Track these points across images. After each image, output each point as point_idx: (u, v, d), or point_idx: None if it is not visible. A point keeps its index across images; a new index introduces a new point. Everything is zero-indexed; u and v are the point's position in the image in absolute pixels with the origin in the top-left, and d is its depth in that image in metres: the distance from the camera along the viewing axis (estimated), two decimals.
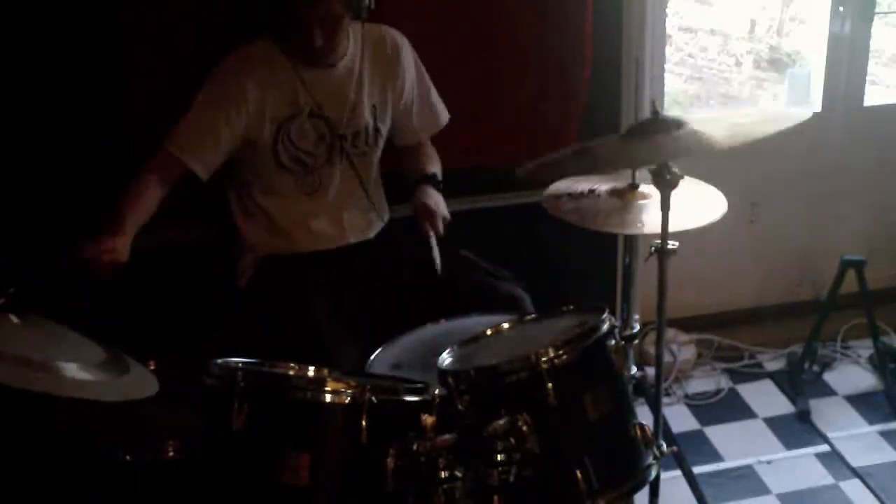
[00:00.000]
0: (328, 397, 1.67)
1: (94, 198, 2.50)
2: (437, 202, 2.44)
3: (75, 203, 2.48)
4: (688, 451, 2.75)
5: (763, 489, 2.74)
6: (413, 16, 2.57)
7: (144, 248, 2.16)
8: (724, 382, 3.22)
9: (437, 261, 2.32)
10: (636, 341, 3.02)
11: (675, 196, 2.04)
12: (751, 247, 3.42)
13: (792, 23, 4.47)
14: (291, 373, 1.83)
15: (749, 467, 2.83)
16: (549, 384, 1.68)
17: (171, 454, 1.86)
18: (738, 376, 3.26)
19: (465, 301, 2.27)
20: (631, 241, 2.83)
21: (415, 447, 1.62)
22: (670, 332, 3.21)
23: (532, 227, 2.72)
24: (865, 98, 3.39)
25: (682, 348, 3.26)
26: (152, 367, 1.86)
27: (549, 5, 2.74)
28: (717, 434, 2.98)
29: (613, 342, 1.81)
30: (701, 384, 3.22)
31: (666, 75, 3.19)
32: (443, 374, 1.76)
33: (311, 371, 1.84)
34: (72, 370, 1.54)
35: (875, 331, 3.11)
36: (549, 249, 2.84)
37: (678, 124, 2.03)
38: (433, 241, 2.35)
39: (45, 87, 2.44)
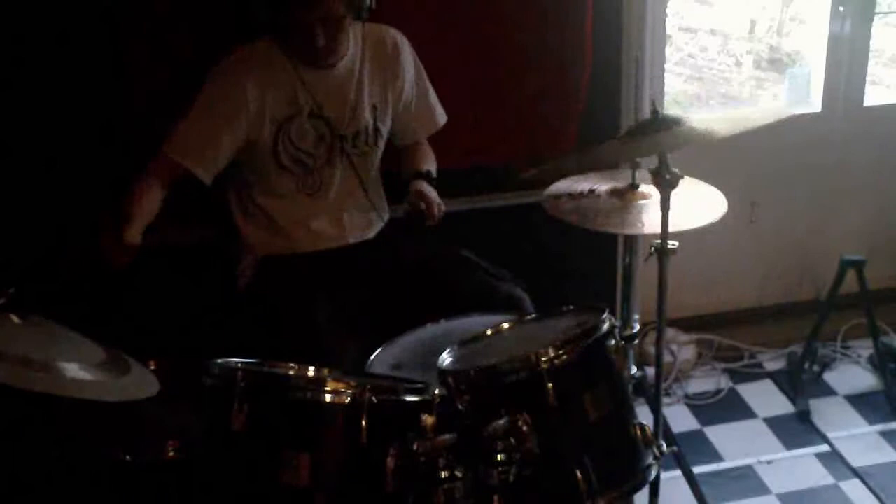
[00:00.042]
0: (328, 397, 1.67)
1: (94, 197, 2.51)
2: (432, 192, 2.43)
3: (75, 203, 2.48)
4: (688, 451, 2.75)
5: (763, 489, 2.74)
6: (413, 16, 2.57)
7: (144, 248, 2.16)
8: (724, 382, 3.22)
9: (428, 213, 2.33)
10: (636, 341, 3.02)
11: (675, 196, 2.04)
12: (751, 247, 3.42)
13: (792, 23, 4.46)
14: (291, 373, 1.83)
15: (749, 467, 2.83)
16: (549, 384, 1.68)
17: (171, 454, 1.86)
18: (738, 376, 3.26)
19: (464, 301, 2.27)
20: (631, 241, 2.83)
21: (415, 447, 1.62)
22: (670, 332, 3.21)
23: (532, 227, 2.72)
24: (865, 98, 3.38)
25: (682, 348, 3.26)
26: (152, 368, 1.86)
27: (549, 5, 2.74)
28: (717, 434, 2.98)
29: (613, 342, 1.81)
30: (701, 384, 3.22)
31: (666, 75, 3.19)
32: (443, 374, 1.76)
33: (311, 371, 1.84)
34: (72, 370, 1.54)
35: (875, 331, 3.11)
36: (549, 249, 2.84)
37: (678, 122, 2.04)
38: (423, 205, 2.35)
39: (45, 86, 2.44)
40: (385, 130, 2.49)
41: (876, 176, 3.43)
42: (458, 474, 1.62)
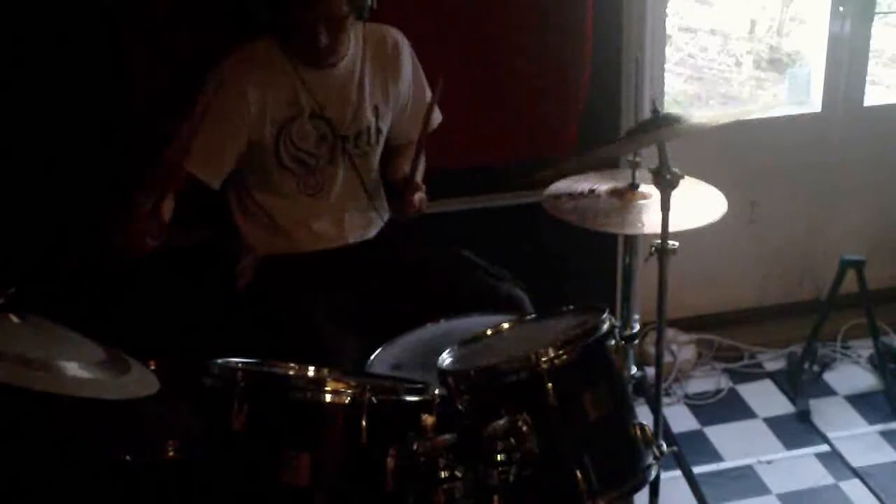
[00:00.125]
0: (328, 397, 1.67)
1: (94, 197, 2.51)
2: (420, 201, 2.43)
3: (75, 203, 2.48)
4: (688, 451, 2.75)
5: (763, 489, 2.74)
6: (413, 16, 2.57)
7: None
8: (724, 382, 3.22)
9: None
10: (636, 341, 3.02)
11: (675, 196, 2.04)
12: (751, 247, 3.42)
13: (792, 23, 4.46)
14: (291, 373, 1.83)
15: (749, 467, 2.83)
16: (549, 384, 1.68)
17: (171, 454, 1.86)
18: (738, 376, 3.26)
19: (464, 301, 2.27)
20: (631, 241, 2.83)
21: (415, 447, 1.62)
22: (670, 332, 3.21)
23: (532, 227, 2.72)
24: (865, 98, 3.38)
25: (682, 348, 3.26)
26: (152, 368, 1.86)
27: (549, 5, 2.74)
28: (717, 434, 2.98)
29: (613, 342, 1.81)
30: (701, 384, 3.22)
31: (666, 75, 3.19)
32: (443, 374, 1.76)
33: (311, 371, 1.84)
34: (72, 369, 1.54)
35: (875, 331, 3.11)
36: (549, 249, 2.84)
37: (677, 119, 2.04)
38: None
39: (45, 86, 2.44)
40: (385, 130, 2.49)
41: (876, 176, 3.43)
42: (458, 474, 1.62)
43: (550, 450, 1.66)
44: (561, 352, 1.70)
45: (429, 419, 1.64)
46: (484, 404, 1.70)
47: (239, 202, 2.46)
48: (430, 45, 2.55)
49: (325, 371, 1.85)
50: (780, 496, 2.71)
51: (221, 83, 2.30)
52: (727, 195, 2.34)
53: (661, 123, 2.03)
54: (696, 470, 2.69)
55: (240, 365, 1.75)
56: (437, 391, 1.75)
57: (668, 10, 3.10)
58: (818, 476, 2.78)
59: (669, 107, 3.34)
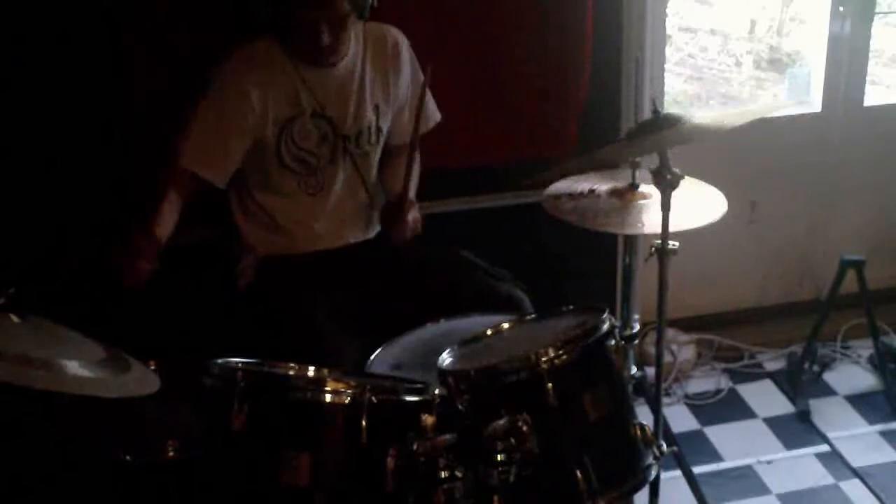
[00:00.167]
0: (328, 397, 1.67)
1: (94, 197, 2.51)
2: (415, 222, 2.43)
3: (75, 203, 2.48)
4: (688, 451, 2.75)
5: (763, 489, 2.74)
6: (413, 16, 2.57)
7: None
8: (724, 382, 3.22)
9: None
10: (636, 341, 3.02)
11: (675, 196, 2.04)
12: (751, 247, 3.42)
13: (792, 23, 4.46)
14: (291, 373, 1.83)
15: (749, 467, 2.83)
16: (549, 384, 1.68)
17: (171, 454, 1.86)
18: (738, 376, 3.26)
19: (464, 302, 2.27)
20: (631, 241, 2.83)
21: (415, 447, 1.62)
22: (670, 332, 3.21)
23: (532, 227, 2.72)
24: (865, 98, 3.39)
25: (682, 348, 3.26)
26: (152, 368, 1.86)
27: (549, 5, 2.74)
28: (717, 434, 2.98)
29: (613, 342, 1.81)
30: (701, 384, 3.22)
31: (666, 75, 3.20)
32: (443, 374, 1.76)
33: (311, 371, 1.84)
34: (73, 367, 1.54)
35: (875, 331, 3.11)
36: (549, 249, 2.84)
37: (678, 120, 2.04)
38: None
39: (45, 86, 2.43)
40: (386, 129, 2.49)
41: (876, 176, 3.43)
42: (458, 474, 1.62)
43: (550, 450, 1.66)
44: (561, 352, 1.70)
45: (429, 419, 1.64)
46: (484, 404, 1.70)
47: (239, 202, 2.46)
48: (430, 45, 2.55)
49: (325, 371, 1.85)
50: (780, 496, 2.71)
51: (222, 84, 2.30)
52: (727, 195, 2.34)
53: (662, 126, 2.03)
54: (696, 470, 2.70)
55: (240, 365, 1.75)
56: (437, 391, 1.75)
57: (668, 10, 3.10)
58: (818, 476, 2.78)
59: (669, 107, 3.35)
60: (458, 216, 2.82)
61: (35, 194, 2.48)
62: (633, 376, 2.69)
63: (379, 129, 2.46)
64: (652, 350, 2.82)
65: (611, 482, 1.71)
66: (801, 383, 3.15)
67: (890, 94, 4.07)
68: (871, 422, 3.01)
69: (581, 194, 2.37)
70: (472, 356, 1.83)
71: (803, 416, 3.02)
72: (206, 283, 2.56)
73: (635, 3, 2.82)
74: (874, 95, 3.54)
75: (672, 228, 2.08)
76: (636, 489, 1.81)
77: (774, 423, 3.02)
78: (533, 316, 2.08)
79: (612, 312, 1.87)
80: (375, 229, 2.54)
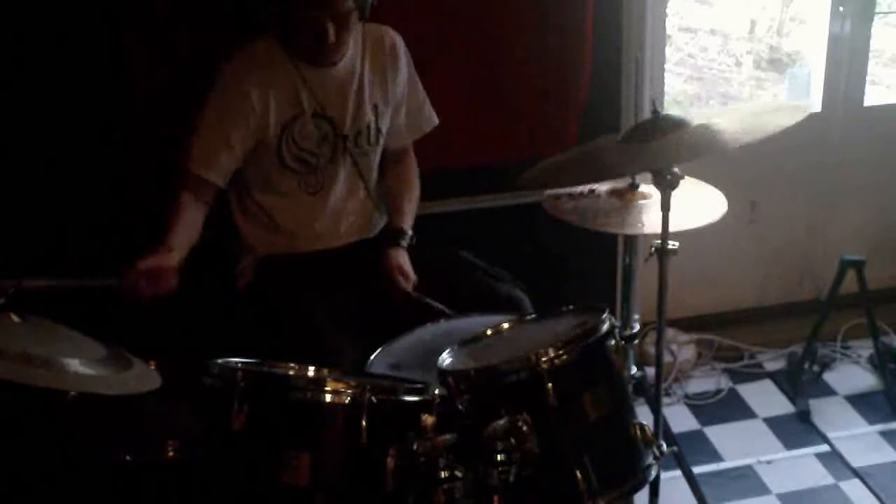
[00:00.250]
0: (328, 397, 1.67)
1: (94, 197, 2.51)
2: (408, 266, 2.40)
3: (75, 203, 2.48)
4: (688, 451, 2.75)
5: (763, 489, 2.74)
6: (413, 16, 2.57)
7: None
8: (724, 382, 3.22)
9: (437, 305, 2.29)
10: (636, 341, 3.02)
11: (675, 196, 2.04)
12: (751, 247, 3.42)
13: (792, 23, 4.47)
14: (291, 373, 1.83)
15: (749, 467, 2.83)
16: (549, 384, 1.68)
17: (171, 454, 1.86)
18: (738, 376, 3.26)
19: (464, 302, 2.27)
20: (631, 241, 2.83)
21: (415, 447, 1.62)
22: (670, 332, 3.21)
23: (532, 227, 2.72)
24: (865, 98, 3.39)
25: (682, 348, 3.26)
26: (152, 367, 1.86)
27: (549, 5, 2.74)
28: (717, 434, 2.98)
29: (613, 342, 1.81)
30: (701, 384, 3.22)
31: (666, 75, 3.20)
32: (443, 374, 1.76)
33: (311, 371, 1.84)
34: (74, 365, 1.54)
35: (875, 331, 3.11)
36: (549, 249, 2.84)
37: (680, 123, 2.04)
38: (422, 298, 2.32)
39: (45, 86, 2.43)
40: (385, 129, 2.49)
41: (876, 176, 3.43)
42: (458, 474, 1.62)
43: (550, 450, 1.66)
44: (561, 352, 1.70)
45: (429, 419, 1.64)
46: (484, 404, 1.70)
47: (239, 202, 2.46)
48: (430, 45, 2.55)
49: (325, 371, 1.85)
50: (780, 496, 2.71)
51: (224, 86, 2.29)
52: (727, 195, 2.34)
53: (668, 130, 2.02)
54: (696, 470, 2.70)
55: (240, 365, 1.75)
56: (437, 391, 1.75)
57: (668, 10, 3.10)
58: (818, 476, 2.78)
59: (669, 107, 3.35)
60: (457, 216, 2.82)
61: (35, 194, 2.48)
62: (633, 376, 2.69)
63: (378, 129, 2.45)
64: (652, 350, 2.82)
65: (611, 482, 1.71)
66: (801, 383, 3.15)
67: (890, 94, 4.07)
68: (871, 422, 3.01)
69: (581, 194, 2.37)
70: (472, 356, 1.83)
71: (803, 416, 3.02)
72: (206, 283, 2.55)
73: (635, 3, 2.82)
74: (874, 95, 3.54)
75: (672, 228, 2.08)
76: (636, 489, 1.81)
77: (774, 423, 3.02)
78: (533, 316, 2.08)
79: (612, 312, 1.87)
80: (376, 229, 2.54)
